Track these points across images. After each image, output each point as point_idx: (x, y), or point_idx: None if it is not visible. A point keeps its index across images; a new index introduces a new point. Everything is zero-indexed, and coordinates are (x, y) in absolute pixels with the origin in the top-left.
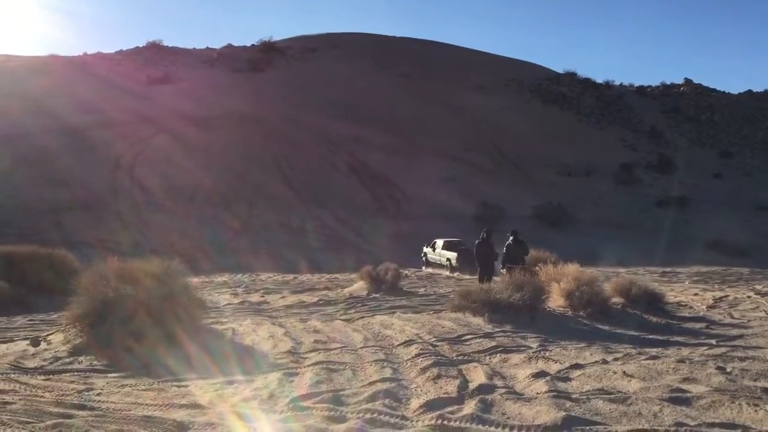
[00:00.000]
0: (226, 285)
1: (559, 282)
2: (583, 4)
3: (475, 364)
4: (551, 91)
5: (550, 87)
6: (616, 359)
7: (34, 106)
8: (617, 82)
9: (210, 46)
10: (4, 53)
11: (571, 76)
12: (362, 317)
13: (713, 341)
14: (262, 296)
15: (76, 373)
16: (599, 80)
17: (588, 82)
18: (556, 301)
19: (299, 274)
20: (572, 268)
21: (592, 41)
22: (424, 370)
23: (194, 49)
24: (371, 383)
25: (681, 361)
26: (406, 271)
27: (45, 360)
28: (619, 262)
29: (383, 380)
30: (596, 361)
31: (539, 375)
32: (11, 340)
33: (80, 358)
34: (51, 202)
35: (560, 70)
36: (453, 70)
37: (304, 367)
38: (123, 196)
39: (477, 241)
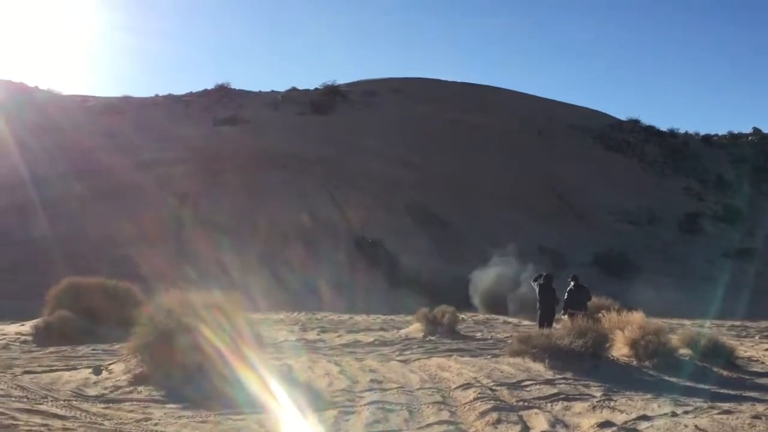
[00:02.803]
0: (282, 322)
1: (623, 330)
2: (647, 51)
3: (536, 410)
4: (613, 138)
5: (612, 134)
6: (686, 412)
7: (107, 143)
8: (682, 130)
9: (275, 89)
10: (82, 93)
11: (634, 123)
12: (418, 359)
13: None
14: (318, 334)
15: (135, 403)
16: (663, 128)
17: (651, 130)
18: (620, 350)
19: (355, 314)
20: (637, 317)
21: (656, 89)
22: (483, 414)
23: (260, 92)
24: (428, 425)
25: (756, 417)
26: (463, 315)
27: (106, 388)
28: (684, 314)
29: (440, 423)
30: (665, 414)
31: (605, 425)
32: (74, 368)
33: (140, 388)
34: (119, 236)
35: (623, 117)
36: (513, 116)
37: (360, 405)
38: (188, 231)
39: (537, 284)
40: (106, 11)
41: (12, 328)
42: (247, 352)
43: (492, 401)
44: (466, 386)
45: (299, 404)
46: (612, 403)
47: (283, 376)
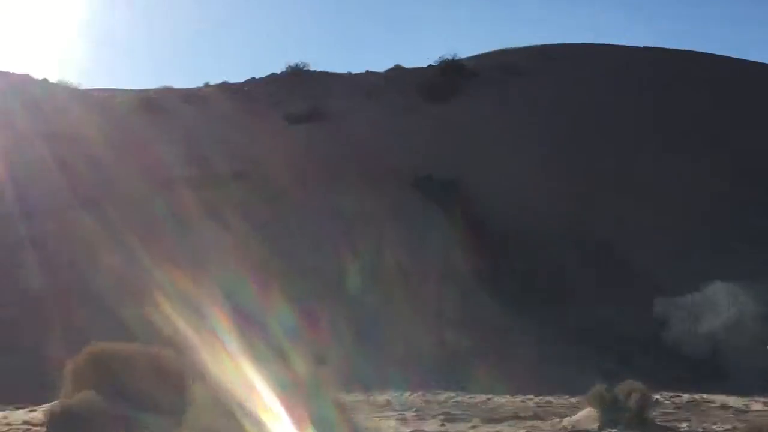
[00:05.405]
0: (389, 406)
1: None
2: None
3: None
4: None
5: None
6: None
7: (131, 156)
8: None
9: (371, 69)
10: (108, 87)
11: None
12: None
13: None
14: (443, 425)
15: None
16: None
17: None
18: None
19: (493, 392)
20: None
21: None
22: None
23: (349, 74)
24: None
25: None
26: (657, 396)
27: None
28: None
29: None
30: None
31: None
32: None
33: None
34: (141, 287)
35: None
36: (706, 89)
37: None
38: (246, 274)
39: None
40: None
41: (19, 415)
42: None
43: None
44: None
45: None
46: None
47: None
